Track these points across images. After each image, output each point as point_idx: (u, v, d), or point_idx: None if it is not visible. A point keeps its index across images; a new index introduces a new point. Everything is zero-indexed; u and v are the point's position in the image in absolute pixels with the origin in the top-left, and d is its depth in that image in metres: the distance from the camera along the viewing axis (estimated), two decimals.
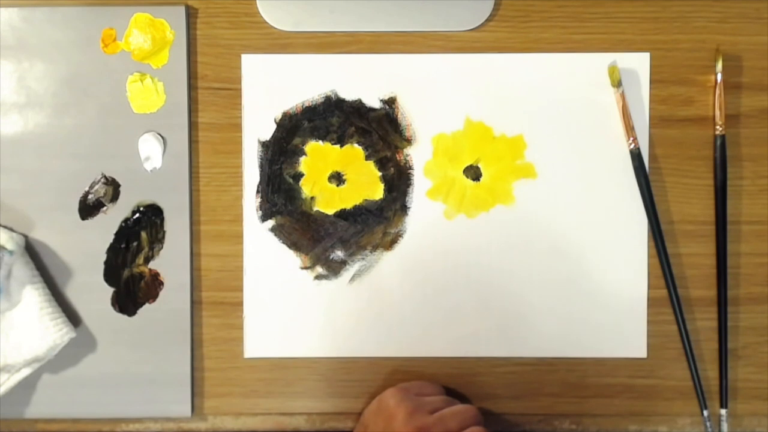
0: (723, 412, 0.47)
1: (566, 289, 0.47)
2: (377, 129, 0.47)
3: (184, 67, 0.46)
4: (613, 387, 0.47)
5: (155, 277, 0.47)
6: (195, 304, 0.47)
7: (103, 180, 0.47)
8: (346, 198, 0.47)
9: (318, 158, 0.47)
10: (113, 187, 0.47)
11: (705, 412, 0.47)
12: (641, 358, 0.47)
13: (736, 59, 0.47)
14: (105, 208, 0.47)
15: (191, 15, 0.47)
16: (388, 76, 0.47)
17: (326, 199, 0.47)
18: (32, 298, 0.44)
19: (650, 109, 0.47)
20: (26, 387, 0.46)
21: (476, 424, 0.41)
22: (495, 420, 0.47)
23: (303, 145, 0.47)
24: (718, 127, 0.46)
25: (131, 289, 0.47)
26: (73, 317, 0.46)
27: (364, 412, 0.45)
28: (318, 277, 0.47)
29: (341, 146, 0.47)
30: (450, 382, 0.47)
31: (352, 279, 0.47)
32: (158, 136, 0.46)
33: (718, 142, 0.46)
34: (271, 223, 0.47)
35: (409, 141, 0.47)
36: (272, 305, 0.47)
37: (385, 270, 0.47)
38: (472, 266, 0.47)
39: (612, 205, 0.47)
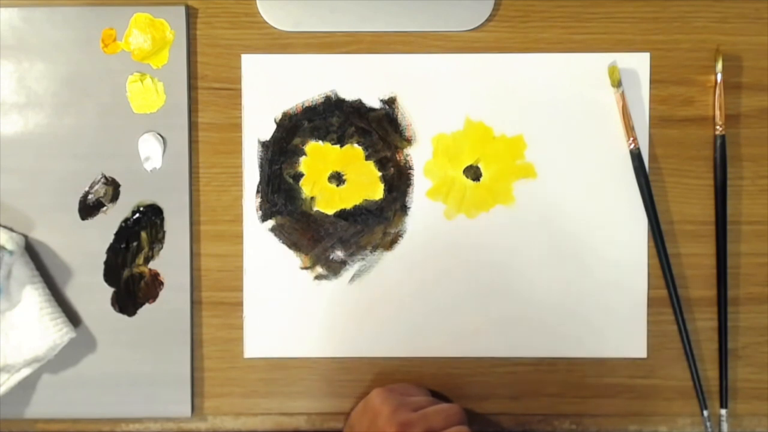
0: (723, 412, 0.47)
1: (566, 289, 0.47)
2: (377, 129, 0.47)
3: (184, 67, 0.46)
4: (613, 387, 0.47)
5: (155, 277, 0.47)
6: (195, 304, 0.47)
7: (103, 180, 0.47)
8: (346, 198, 0.47)
9: (318, 158, 0.47)
10: (113, 187, 0.47)
11: (705, 412, 0.47)
12: (641, 358, 0.47)
13: (736, 59, 0.47)
14: (105, 208, 0.47)
15: (191, 15, 0.47)
16: (388, 76, 0.47)
17: (326, 199, 0.47)
18: (32, 298, 0.44)
19: (650, 109, 0.47)
20: (26, 387, 0.46)
21: (460, 422, 0.41)
22: (495, 420, 0.47)
23: (303, 145, 0.47)
24: (718, 127, 0.46)
25: (131, 289, 0.47)
26: (73, 317, 0.46)
27: (351, 414, 0.45)
28: (318, 277, 0.47)
29: (341, 146, 0.47)
30: (450, 382, 0.47)
31: (352, 279, 0.47)
32: (158, 136, 0.46)
33: (718, 142, 0.46)
34: (271, 223, 0.47)
35: (409, 141, 0.47)
36: (272, 305, 0.47)
37: (385, 270, 0.47)
38: (472, 266, 0.47)
39: (612, 205, 0.47)
